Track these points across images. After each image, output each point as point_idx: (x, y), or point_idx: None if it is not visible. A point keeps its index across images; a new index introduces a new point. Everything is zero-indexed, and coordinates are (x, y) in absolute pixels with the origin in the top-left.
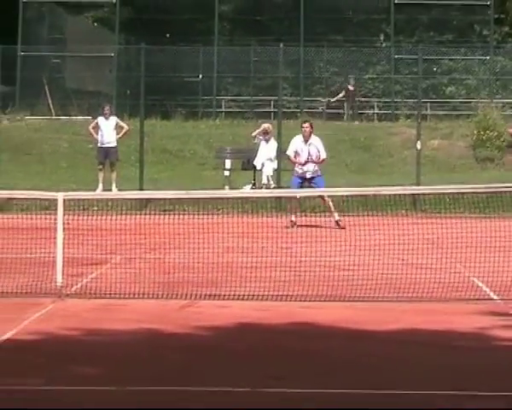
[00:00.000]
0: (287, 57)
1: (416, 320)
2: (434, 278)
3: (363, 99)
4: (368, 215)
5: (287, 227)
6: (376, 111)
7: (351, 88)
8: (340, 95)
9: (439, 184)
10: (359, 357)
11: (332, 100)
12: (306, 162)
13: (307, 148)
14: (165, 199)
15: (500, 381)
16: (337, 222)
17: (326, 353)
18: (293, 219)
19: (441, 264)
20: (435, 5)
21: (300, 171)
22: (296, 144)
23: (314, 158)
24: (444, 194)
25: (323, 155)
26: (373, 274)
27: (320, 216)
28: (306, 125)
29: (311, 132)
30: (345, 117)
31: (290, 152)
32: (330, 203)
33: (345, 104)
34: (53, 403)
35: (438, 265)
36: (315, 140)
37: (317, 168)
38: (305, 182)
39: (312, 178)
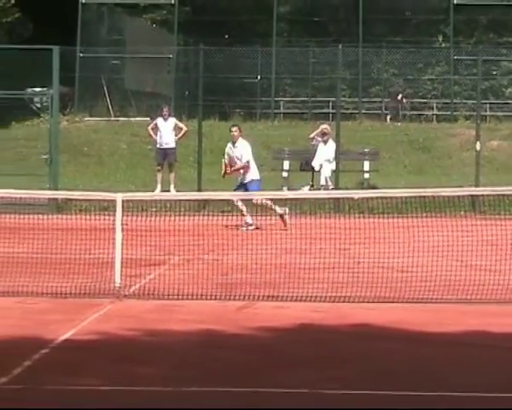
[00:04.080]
0: (345, 58)
1: (474, 322)
2: (493, 280)
3: (421, 100)
4: (426, 217)
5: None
6: (435, 112)
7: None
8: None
9: (499, 185)
10: (417, 359)
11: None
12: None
13: (234, 152)
14: (223, 200)
15: None
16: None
17: (383, 355)
18: (249, 221)
19: (500, 266)
20: (495, 6)
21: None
22: (227, 149)
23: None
24: (503, 195)
25: (244, 159)
26: (431, 276)
27: (379, 217)
28: (235, 128)
29: (239, 136)
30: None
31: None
32: (268, 202)
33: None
34: (109, 403)
35: (497, 267)
36: (241, 144)
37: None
38: (241, 187)
39: (247, 183)
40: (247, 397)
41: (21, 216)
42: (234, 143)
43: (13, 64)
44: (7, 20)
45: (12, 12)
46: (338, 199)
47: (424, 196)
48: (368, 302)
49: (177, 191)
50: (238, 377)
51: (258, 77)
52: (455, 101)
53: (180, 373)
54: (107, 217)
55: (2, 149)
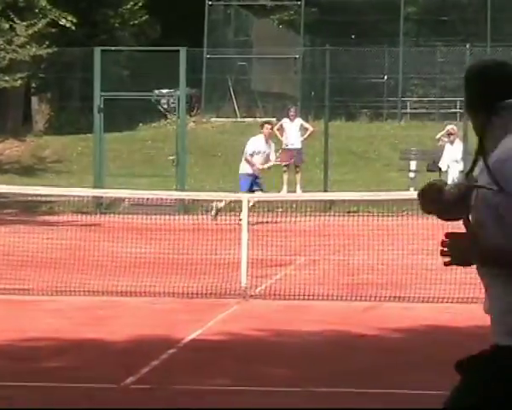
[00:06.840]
0: (473, 58)
1: None
2: None
3: None
4: None
5: None
6: None
7: None
8: None
9: None
10: None
11: None
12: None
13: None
14: (349, 201)
15: None
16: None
17: None
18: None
19: None
20: None
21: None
22: (256, 145)
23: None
24: None
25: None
26: None
27: None
28: (269, 126)
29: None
30: None
31: (250, 151)
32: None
33: None
34: (237, 403)
35: None
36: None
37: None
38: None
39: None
40: (374, 398)
41: (149, 217)
42: (266, 141)
43: (140, 66)
44: (135, 23)
45: (140, 14)
46: None
47: None
48: None
49: (303, 192)
50: (366, 379)
51: (385, 77)
52: None
53: (308, 374)
54: (233, 217)
55: (130, 151)
